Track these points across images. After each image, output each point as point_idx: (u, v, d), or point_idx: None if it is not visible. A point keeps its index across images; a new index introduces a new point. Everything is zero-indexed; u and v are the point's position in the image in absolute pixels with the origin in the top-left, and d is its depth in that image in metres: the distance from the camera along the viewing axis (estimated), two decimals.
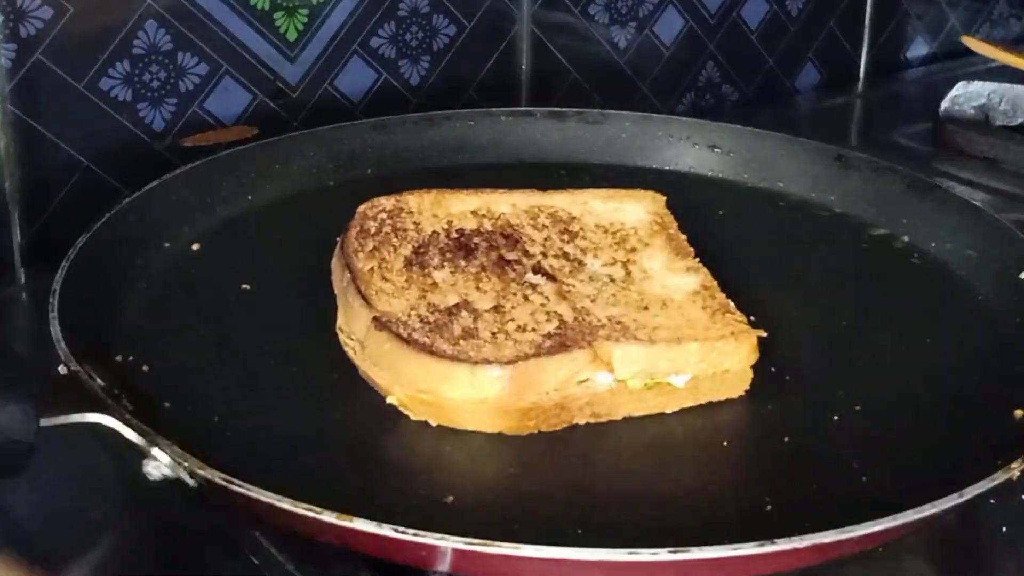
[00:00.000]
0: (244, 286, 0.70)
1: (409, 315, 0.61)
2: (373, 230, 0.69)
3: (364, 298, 0.62)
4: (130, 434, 0.53)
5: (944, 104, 1.10)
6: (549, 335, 0.60)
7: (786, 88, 1.22)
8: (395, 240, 0.69)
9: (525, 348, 0.59)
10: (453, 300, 0.63)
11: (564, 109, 0.91)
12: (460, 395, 0.58)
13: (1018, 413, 0.60)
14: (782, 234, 0.80)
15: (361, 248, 0.67)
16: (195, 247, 0.74)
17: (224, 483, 0.50)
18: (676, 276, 0.66)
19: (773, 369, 0.63)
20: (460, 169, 0.86)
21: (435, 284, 0.64)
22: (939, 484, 0.51)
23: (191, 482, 0.53)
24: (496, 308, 0.62)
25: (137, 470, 0.53)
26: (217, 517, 0.57)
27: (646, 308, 0.63)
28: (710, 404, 0.62)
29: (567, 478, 0.57)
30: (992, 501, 0.56)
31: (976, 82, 1.11)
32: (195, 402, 0.59)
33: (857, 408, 0.61)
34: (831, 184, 0.84)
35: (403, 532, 0.48)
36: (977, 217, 0.77)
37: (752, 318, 0.63)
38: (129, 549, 0.57)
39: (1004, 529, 0.58)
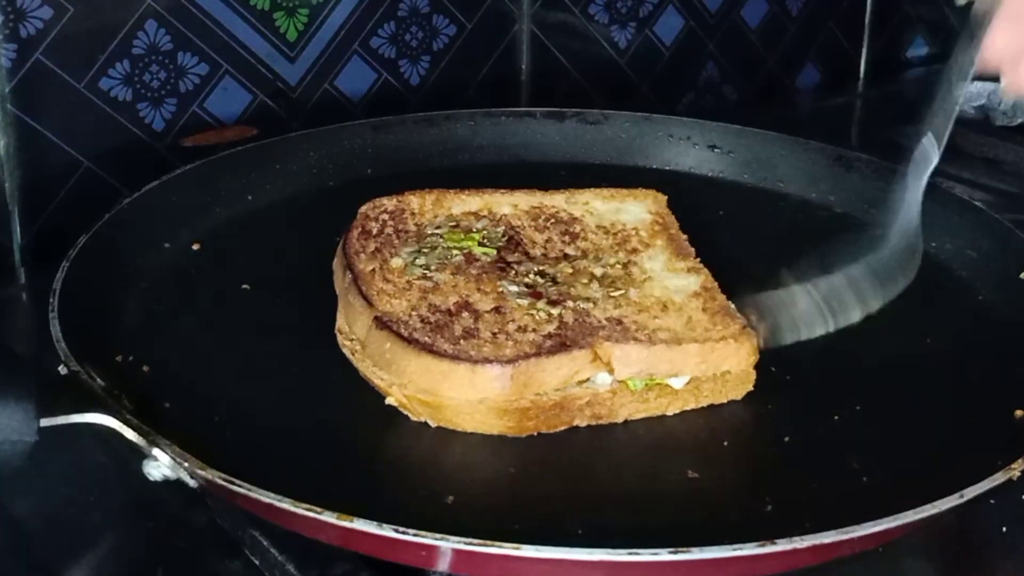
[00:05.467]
0: (244, 286, 0.70)
1: (410, 315, 0.61)
2: (375, 231, 0.69)
3: (365, 298, 0.63)
4: (130, 434, 0.53)
5: None
6: (549, 335, 0.60)
7: (786, 88, 1.22)
8: (396, 241, 0.69)
9: (525, 348, 0.59)
10: (454, 301, 0.63)
11: (564, 109, 0.91)
12: (460, 394, 0.58)
13: (1018, 413, 0.60)
14: (782, 234, 0.80)
15: (363, 249, 0.67)
16: (195, 247, 0.74)
17: (224, 483, 0.50)
18: (677, 277, 0.66)
19: (773, 369, 0.63)
20: (460, 169, 0.86)
21: (436, 285, 0.64)
22: (939, 484, 0.51)
23: (191, 482, 0.53)
24: (496, 309, 0.62)
25: (137, 470, 0.53)
26: (217, 517, 0.58)
27: (646, 309, 0.63)
28: (710, 404, 0.62)
29: (567, 478, 0.57)
30: (992, 501, 0.56)
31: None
32: (195, 402, 0.59)
33: (857, 408, 0.62)
34: (831, 184, 0.84)
35: (403, 532, 0.48)
36: (977, 217, 0.77)
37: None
38: (129, 549, 0.57)
39: (1004, 529, 0.59)
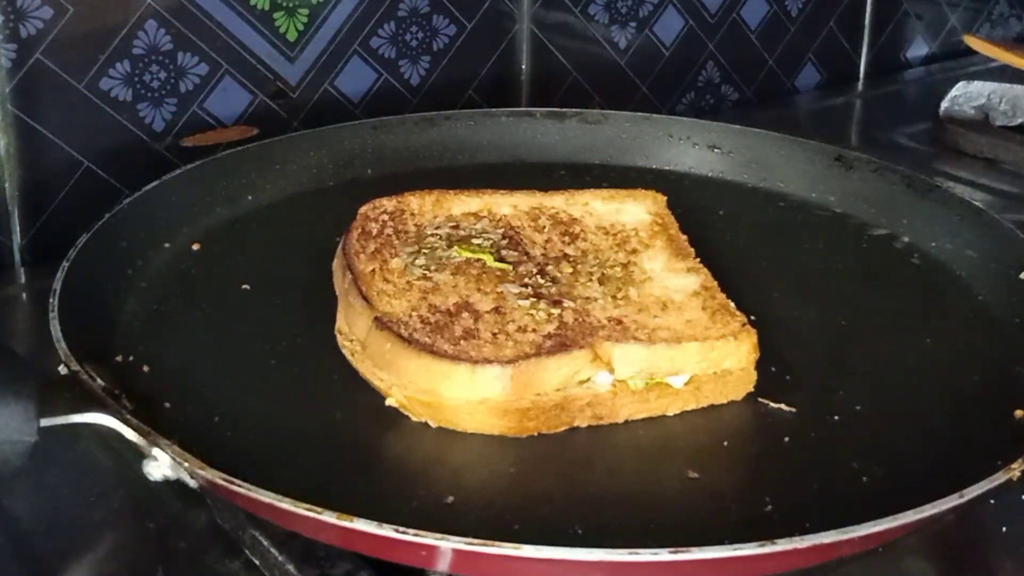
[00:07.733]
0: (244, 286, 0.70)
1: (410, 316, 0.61)
2: (375, 232, 0.69)
3: (365, 299, 0.62)
4: (130, 434, 0.53)
5: (944, 104, 1.10)
6: (549, 335, 0.60)
7: (786, 88, 1.22)
8: (396, 242, 0.69)
9: (525, 348, 0.59)
10: (454, 301, 0.63)
11: (564, 109, 0.91)
12: (461, 395, 0.58)
13: (1018, 413, 0.60)
14: (782, 234, 0.80)
15: (362, 250, 0.67)
16: (195, 247, 0.74)
17: (224, 483, 0.50)
18: (677, 277, 0.66)
19: (773, 369, 0.63)
20: (460, 169, 0.86)
21: (436, 286, 0.64)
22: (939, 484, 0.51)
23: (191, 482, 0.53)
24: (496, 309, 0.62)
25: (137, 470, 0.53)
26: (217, 517, 0.58)
27: (646, 308, 0.63)
28: (711, 404, 0.62)
29: (567, 478, 0.57)
30: (992, 501, 0.56)
31: (976, 82, 1.11)
32: (195, 402, 0.59)
33: (857, 408, 0.61)
34: (831, 184, 0.84)
35: (403, 532, 0.48)
36: (977, 217, 0.77)
37: (752, 318, 0.63)
38: (129, 549, 0.57)
39: (1004, 529, 0.59)
